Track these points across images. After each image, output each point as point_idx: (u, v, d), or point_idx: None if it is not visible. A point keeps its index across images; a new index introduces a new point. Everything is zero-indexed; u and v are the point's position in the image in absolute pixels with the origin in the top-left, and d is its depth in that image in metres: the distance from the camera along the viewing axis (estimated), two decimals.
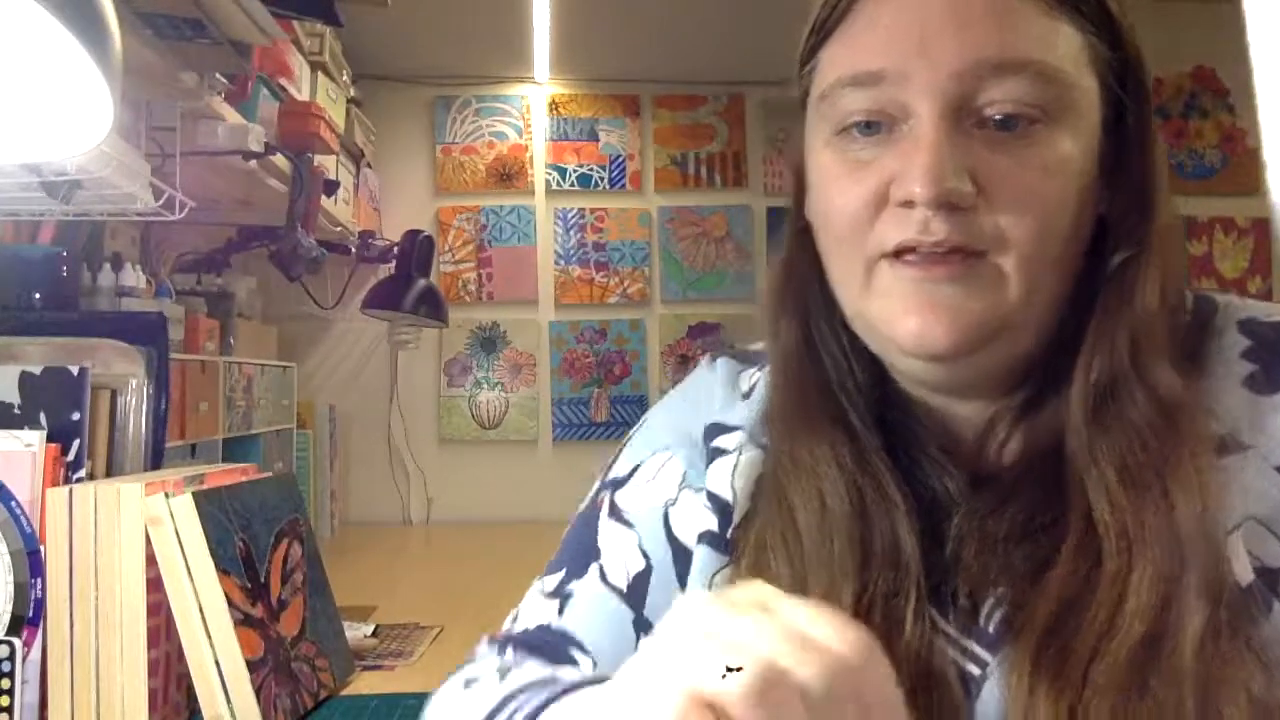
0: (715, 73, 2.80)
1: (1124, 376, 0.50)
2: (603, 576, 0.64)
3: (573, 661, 0.61)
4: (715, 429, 0.64)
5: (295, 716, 0.99)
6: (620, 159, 2.87)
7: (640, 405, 2.84)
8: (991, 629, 0.51)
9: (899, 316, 0.50)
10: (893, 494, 0.53)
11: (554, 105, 2.86)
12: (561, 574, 0.66)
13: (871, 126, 0.51)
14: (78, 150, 0.90)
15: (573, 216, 2.86)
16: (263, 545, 1.03)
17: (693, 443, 0.65)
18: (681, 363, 2.86)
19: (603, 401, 2.84)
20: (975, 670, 0.51)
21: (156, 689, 0.93)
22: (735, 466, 0.61)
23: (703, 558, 0.61)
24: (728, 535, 0.60)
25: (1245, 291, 2.88)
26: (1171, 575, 0.46)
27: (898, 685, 0.38)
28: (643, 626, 0.62)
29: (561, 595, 0.65)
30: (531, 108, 2.86)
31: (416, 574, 2.09)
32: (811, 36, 0.56)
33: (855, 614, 0.50)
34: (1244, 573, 0.46)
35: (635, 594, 0.62)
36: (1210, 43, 2.67)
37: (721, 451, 0.63)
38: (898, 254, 0.50)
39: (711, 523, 0.61)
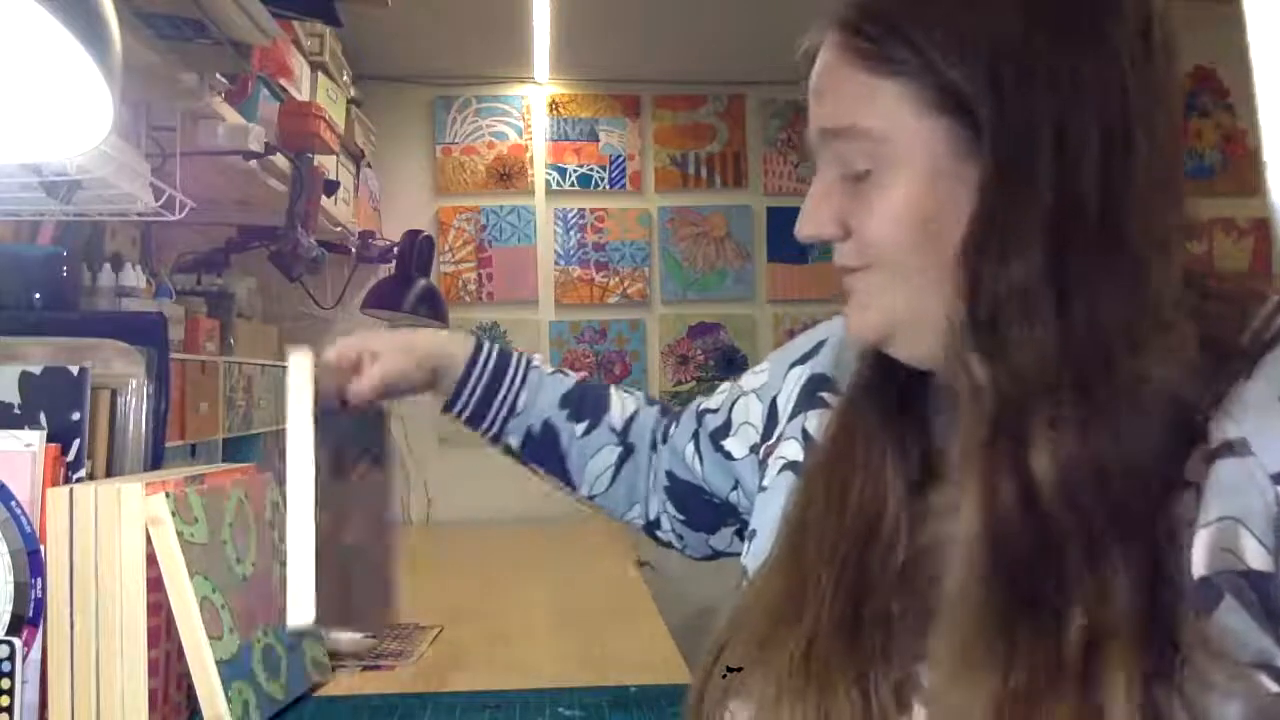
0: (715, 73, 2.81)
1: None
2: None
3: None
4: (824, 381, 0.78)
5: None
6: (620, 159, 2.87)
7: None
8: None
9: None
10: (898, 461, 0.62)
11: (554, 105, 2.86)
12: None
13: None
14: (78, 150, 0.90)
15: (573, 216, 2.86)
16: None
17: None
18: (681, 363, 2.87)
19: None
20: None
21: (156, 689, 0.92)
22: None
23: (788, 481, 0.74)
24: None
25: None
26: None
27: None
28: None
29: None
30: (531, 108, 2.86)
31: (416, 574, 2.08)
32: None
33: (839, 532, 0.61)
34: (1199, 568, 0.48)
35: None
36: (1210, 43, 2.67)
37: (826, 404, 0.76)
38: None
39: (799, 455, 0.75)
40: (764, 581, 0.65)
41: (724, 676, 0.61)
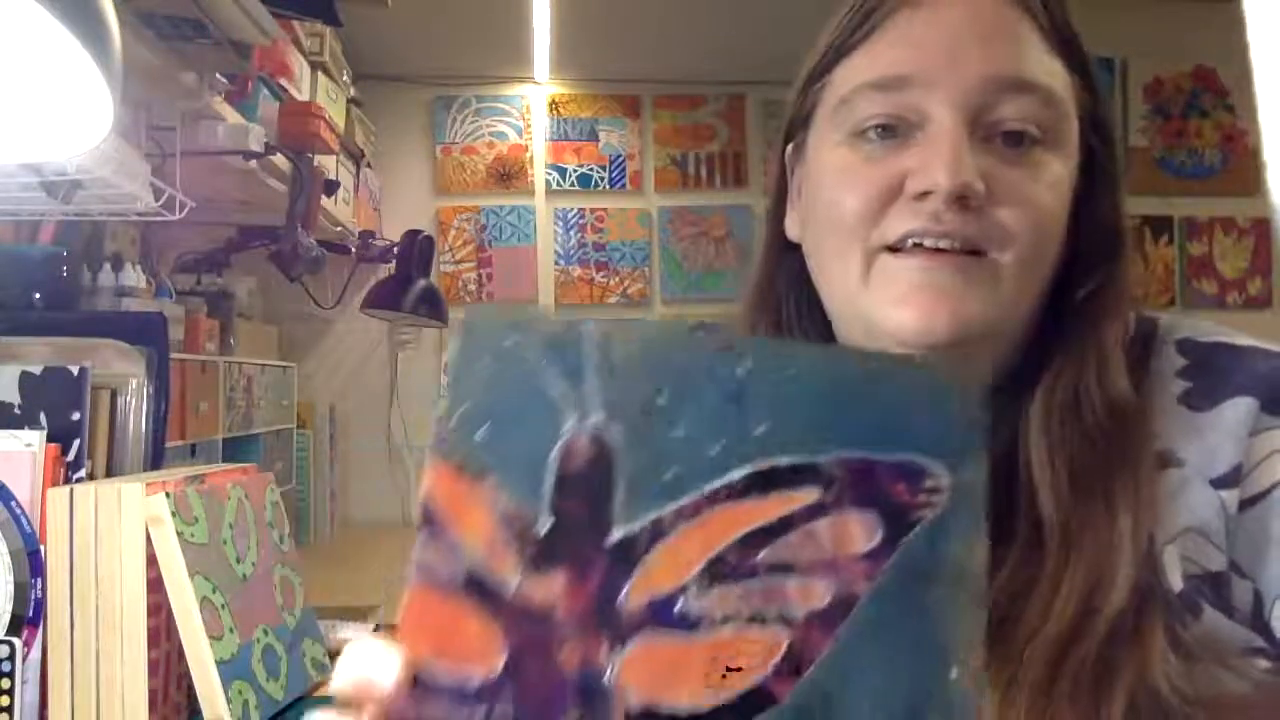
0: (715, 73, 2.80)
1: (1086, 390, 0.53)
2: None
3: None
4: None
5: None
6: (620, 159, 2.87)
7: None
8: None
9: (900, 305, 0.52)
10: None
11: (554, 105, 2.86)
12: None
13: (887, 130, 0.54)
14: (78, 150, 0.90)
15: (573, 216, 2.86)
16: None
17: None
18: None
19: None
20: None
21: (156, 689, 0.92)
22: None
23: None
24: None
25: (1245, 291, 2.89)
26: (1100, 575, 0.49)
27: None
28: None
29: None
30: (531, 108, 2.86)
31: None
32: (829, 53, 0.58)
33: None
34: (1175, 581, 0.50)
35: None
36: (1210, 43, 2.67)
37: None
38: (897, 249, 0.53)
39: None
40: None
41: None
